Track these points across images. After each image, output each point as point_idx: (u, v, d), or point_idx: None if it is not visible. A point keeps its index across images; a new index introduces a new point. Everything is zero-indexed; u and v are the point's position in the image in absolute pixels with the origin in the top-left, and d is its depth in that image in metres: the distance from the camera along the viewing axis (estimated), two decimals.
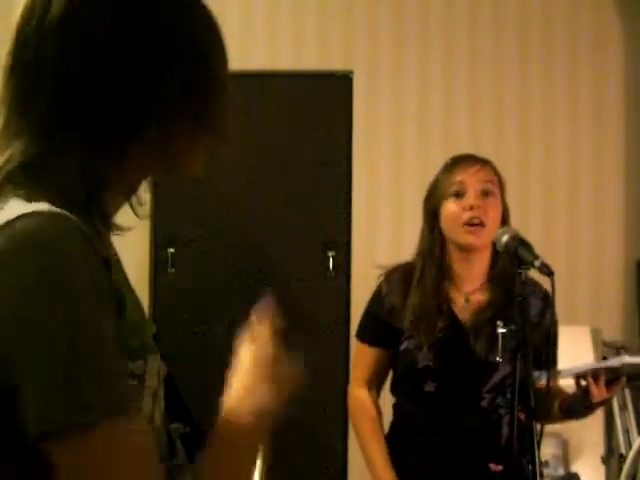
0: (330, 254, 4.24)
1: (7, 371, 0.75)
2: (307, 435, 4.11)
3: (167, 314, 4.26)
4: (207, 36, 0.94)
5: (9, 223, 0.79)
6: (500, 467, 2.05)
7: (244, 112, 4.32)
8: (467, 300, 2.12)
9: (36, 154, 0.85)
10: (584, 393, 1.94)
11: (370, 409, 2.20)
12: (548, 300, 2.09)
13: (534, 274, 1.98)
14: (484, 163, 2.15)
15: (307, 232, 4.27)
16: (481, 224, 2.05)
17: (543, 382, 1.90)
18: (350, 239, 4.26)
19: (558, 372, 2.02)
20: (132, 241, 5.26)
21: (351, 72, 4.30)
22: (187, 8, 0.93)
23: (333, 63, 4.32)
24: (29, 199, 0.81)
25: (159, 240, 4.31)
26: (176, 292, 4.30)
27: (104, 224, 0.88)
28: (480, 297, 2.12)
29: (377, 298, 2.20)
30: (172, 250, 4.29)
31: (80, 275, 0.78)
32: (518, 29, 4.26)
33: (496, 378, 2.06)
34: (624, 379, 1.93)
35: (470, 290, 2.13)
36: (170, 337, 4.11)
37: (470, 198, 2.06)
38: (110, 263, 0.84)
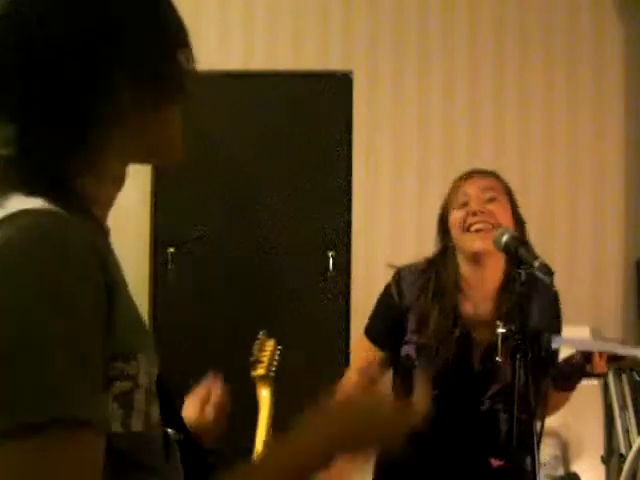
0: (330, 254, 4.24)
1: None
2: None
3: (167, 314, 4.26)
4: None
5: (9, 217, 0.80)
6: (500, 462, 2.05)
7: (244, 112, 4.32)
8: (477, 310, 2.12)
9: (18, 146, 0.85)
10: (584, 361, 1.97)
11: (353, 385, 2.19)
12: (551, 304, 2.10)
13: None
14: (488, 174, 2.17)
15: (307, 232, 4.27)
16: (492, 228, 2.04)
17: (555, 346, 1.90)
18: (350, 239, 4.26)
19: (559, 339, 2.00)
20: (132, 241, 5.25)
21: (351, 72, 4.30)
22: None
23: (333, 63, 4.32)
24: (27, 194, 0.82)
25: (159, 240, 4.31)
26: (176, 292, 4.30)
27: (88, 215, 0.87)
28: (489, 307, 2.12)
29: (388, 297, 2.17)
30: (172, 250, 4.29)
31: (69, 280, 0.77)
32: (518, 29, 4.26)
33: (496, 387, 2.07)
34: (625, 361, 1.96)
35: (480, 299, 2.12)
36: (170, 337, 4.11)
37: (473, 204, 2.08)
38: (106, 262, 0.83)
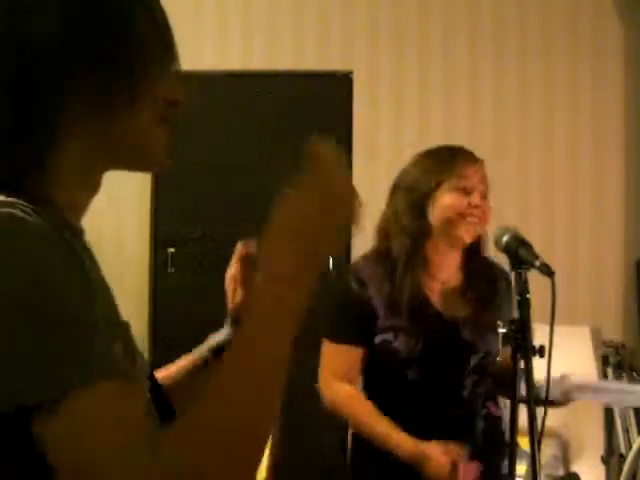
0: None
1: None
2: (307, 435, 4.10)
3: (167, 314, 4.26)
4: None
5: None
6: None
7: (244, 112, 4.32)
8: (444, 288, 2.16)
9: None
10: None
11: (362, 395, 2.15)
12: (508, 287, 2.14)
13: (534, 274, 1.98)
14: (481, 163, 2.19)
15: None
16: (481, 223, 2.11)
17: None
18: (350, 239, 4.26)
19: (574, 387, 2.00)
20: (132, 241, 5.22)
21: (351, 72, 4.30)
22: None
23: (333, 63, 4.32)
24: None
25: (159, 240, 4.31)
26: (176, 292, 4.30)
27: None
28: (455, 282, 2.17)
29: (348, 293, 2.14)
30: (172, 250, 4.29)
31: (51, 255, 0.77)
32: (518, 29, 4.26)
33: (476, 358, 2.09)
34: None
35: (445, 277, 2.16)
36: (170, 337, 4.11)
37: (476, 198, 2.10)
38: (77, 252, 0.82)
